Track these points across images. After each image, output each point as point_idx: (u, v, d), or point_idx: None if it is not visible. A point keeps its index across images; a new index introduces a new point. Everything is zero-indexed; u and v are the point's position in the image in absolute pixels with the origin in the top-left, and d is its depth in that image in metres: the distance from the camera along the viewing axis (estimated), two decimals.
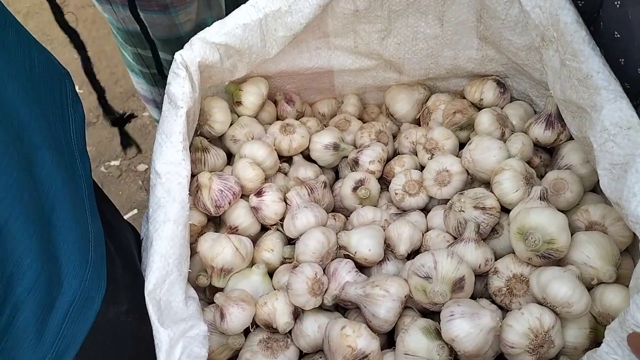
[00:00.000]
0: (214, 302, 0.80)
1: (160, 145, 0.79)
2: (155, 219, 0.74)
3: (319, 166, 1.03)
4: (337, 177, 1.07)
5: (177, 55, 0.82)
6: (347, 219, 0.94)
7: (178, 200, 0.75)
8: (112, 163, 2.29)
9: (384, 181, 1.01)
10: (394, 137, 1.08)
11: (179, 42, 0.92)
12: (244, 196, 0.93)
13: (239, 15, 0.84)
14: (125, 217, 2.13)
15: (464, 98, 1.02)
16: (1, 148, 0.61)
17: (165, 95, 0.82)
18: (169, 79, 0.82)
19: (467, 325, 0.68)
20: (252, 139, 0.99)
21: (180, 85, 0.81)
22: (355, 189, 0.94)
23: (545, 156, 0.93)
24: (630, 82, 0.76)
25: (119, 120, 1.17)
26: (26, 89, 0.70)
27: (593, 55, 0.73)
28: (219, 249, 0.82)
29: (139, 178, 2.27)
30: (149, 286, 0.72)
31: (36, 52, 0.76)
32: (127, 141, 1.20)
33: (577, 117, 0.79)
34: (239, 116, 1.03)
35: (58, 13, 1.05)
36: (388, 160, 1.02)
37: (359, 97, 1.12)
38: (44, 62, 0.77)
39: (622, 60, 0.76)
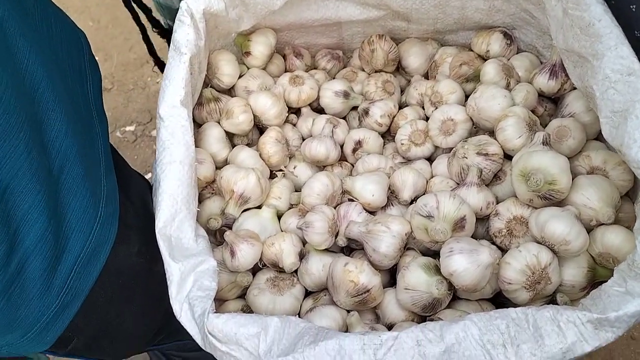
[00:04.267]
0: (223, 243, 0.83)
1: (163, 91, 0.81)
2: (161, 160, 0.77)
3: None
4: None
5: (183, 3, 0.84)
6: (353, 167, 0.96)
7: (182, 142, 0.78)
8: (127, 128, 2.33)
9: (390, 134, 1.02)
10: (402, 90, 1.09)
11: None
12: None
13: None
14: None
15: (471, 51, 1.02)
16: (9, 108, 0.62)
17: (171, 43, 0.84)
18: (175, 26, 0.84)
19: (465, 260, 0.70)
20: (266, 89, 1.01)
21: (185, 33, 0.83)
22: (354, 150, 0.96)
23: (550, 106, 0.94)
24: None
25: (168, 32, 1.24)
26: (42, 48, 0.71)
27: (594, 4, 0.73)
28: (244, 174, 0.85)
29: (153, 143, 2.31)
30: (159, 224, 0.75)
31: (53, 14, 0.78)
32: None
33: (579, 67, 0.79)
34: (248, 68, 1.05)
35: None
36: None
37: None
38: (61, 24, 0.79)
39: (634, 7, 0.76)
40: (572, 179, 0.75)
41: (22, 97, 0.65)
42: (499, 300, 0.79)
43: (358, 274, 0.73)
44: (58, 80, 0.72)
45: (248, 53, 1.02)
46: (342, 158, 0.99)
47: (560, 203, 0.76)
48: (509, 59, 0.98)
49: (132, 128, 2.33)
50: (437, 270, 0.74)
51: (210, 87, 1.00)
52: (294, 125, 1.04)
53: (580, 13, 0.73)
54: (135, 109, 2.37)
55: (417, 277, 0.73)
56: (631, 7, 0.74)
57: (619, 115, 0.68)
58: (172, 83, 0.82)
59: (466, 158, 0.84)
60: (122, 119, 2.35)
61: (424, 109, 1.01)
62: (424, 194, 0.89)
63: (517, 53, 1.00)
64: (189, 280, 0.72)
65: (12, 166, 0.63)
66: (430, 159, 0.97)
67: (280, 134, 0.96)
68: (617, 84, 0.68)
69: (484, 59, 0.99)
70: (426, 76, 1.09)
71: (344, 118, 1.06)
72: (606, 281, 0.67)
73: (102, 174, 0.76)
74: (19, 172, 0.63)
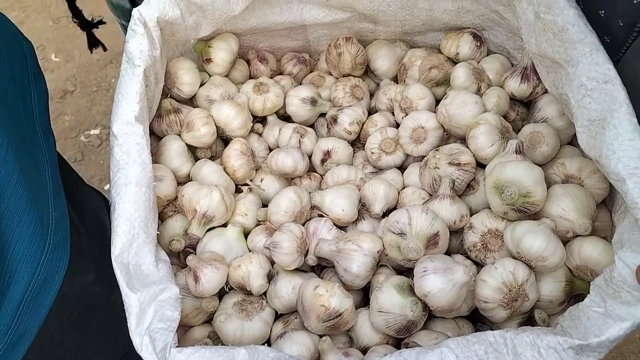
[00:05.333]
0: (186, 267, 0.78)
1: (116, 106, 0.76)
2: (116, 182, 0.72)
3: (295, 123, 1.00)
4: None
5: (135, 11, 0.79)
6: (323, 179, 0.92)
7: (138, 161, 0.73)
8: (92, 132, 2.25)
9: (359, 141, 0.99)
10: (371, 95, 1.05)
11: None
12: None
13: None
14: (107, 186, 2.11)
15: (440, 53, 0.99)
16: None
17: (124, 54, 0.79)
18: (127, 36, 0.79)
19: (439, 280, 0.67)
20: (229, 98, 0.96)
21: (138, 43, 0.78)
22: (323, 160, 0.92)
23: (522, 110, 0.91)
24: (610, 36, 0.73)
25: (88, 24, 1.15)
26: None
27: (568, 8, 0.70)
28: (206, 192, 0.80)
29: None
30: (115, 251, 0.70)
31: None
32: (94, 42, 1.18)
33: (553, 72, 0.76)
34: (209, 75, 1.00)
35: None
36: None
37: None
38: (1, 40, 0.73)
39: (603, 12, 0.74)
40: (547, 189, 0.73)
41: None
42: (476, 316, 0.76)
43: (329, 298, 0.70)
44: None
45: (209, 60, 0.97)
46: (311, 169, 0.95)
47: (536, 215, 0.73)
48: (479, 61, 0.95)
49: (97, 131, 2.25)
50: (411, 290, 0.70)
51: (170, 97, 0.95)
52: (260, 135, 0.99)
53: (553, 17, 0.70)
54: (100, 112, 2.29)
55: (390, 299, 0.70)
56: (600, 12, 0.71)
57: (596, 124, 0.65)
58: (125, 98, 0.77)
59: (438, 168, 0.80)
60: (86, 123, 2.27)
61: (393, 114, 0.98)
62: (396, 205, 0.86)
63: (487, 55, 0.97)
64: (150, 310, 0.67)
65: None
66: (402, 167, 0.94)
67: (245, 146, 0.91)
68: (594, 92, 0.65)
69: (453, 61, 0.96)
70: (395, 79, 1.05)
71: (312, 125, 1.02)
72: (584, 296, 0.65)
73: (49, 198, 0.70)
74: None
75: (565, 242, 0.72)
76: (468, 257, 0.77)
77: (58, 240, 0.69)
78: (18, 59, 0.76)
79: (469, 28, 0.96)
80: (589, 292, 0.64)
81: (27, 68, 0.77)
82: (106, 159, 2.18)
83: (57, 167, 0.74)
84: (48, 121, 0.78)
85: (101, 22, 1.16)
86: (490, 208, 0.77)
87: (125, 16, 1.32)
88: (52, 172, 0.73)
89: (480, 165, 0.83)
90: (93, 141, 2.22)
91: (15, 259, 0.64)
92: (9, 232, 0.64)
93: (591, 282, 0.64)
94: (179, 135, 0.91)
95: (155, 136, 0.94)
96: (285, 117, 1.02)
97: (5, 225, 0.64)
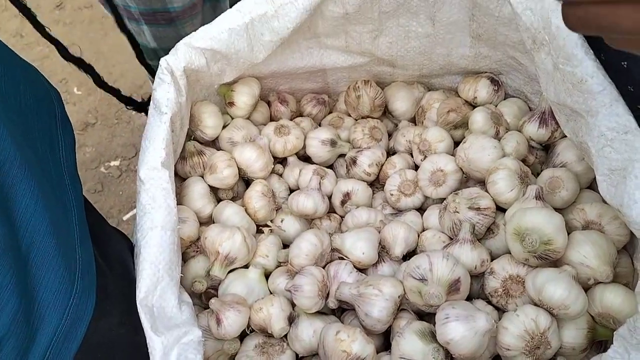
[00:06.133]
0: (208, 309, 0.79)
1: (143, 152, 0.79)
2: (142, 226, 0.74)
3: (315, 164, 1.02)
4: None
5: (163, 60, 0.82)
6: (343, 220, 0.93)
7: (163, 206, 0.75)
8: (112, 163, 2.30)
9: (379, 182, 1.00)
10: (390, 135, 1.07)
11: None
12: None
13: (224, 19, 0.83)
14: (126, 217, 2.14)
15: (458, 96, 1.01)
16: None
17: (151, 101, 0.82)
18: (155, 84, 0.82)
19: (461, 328, 0.67)
20: (250, 140, 0.98)
21: (165, 91, 0.81)
22: (342, 202, 0.94)
23: (541, 153, 0.92)
24: (634, 85, 0.74)
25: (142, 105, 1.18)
26: (10, 117, 0.67)
27: (586, 59, 0.71)
28: (229, 234, 0.82)
29: None
30: (140, 294, 0.71)
31: (22, 75, 0.74)
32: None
33: (572, 121, 0.77)
34: (232, 117, 1.03)
35: (62, 48, 1.03)
36: None
37: None
38: (31, 86, 0.75)
39: (625, 63, 0.75)
40: (568, 235, 0.73)
41: None
42: None
43: (350, 343, 0.70)
44: (27, 150, 0.68)
45: (232, 103, 1.00)
46: (331, 209, 0.96)
47: (557, 261, 0.74)
48: (496, 105, 0.96)
49: (116, 163, 2.30)
50: (433, 336, 0.71)
51: (193, 138, 0.98)
52: (280, 175, 1.01)
53: (571, 69, 0.71)
54: (120, 144, 2.34)
55: (412, 345, 0.70)
56: (623, 64, 0.73)
57: (617, 174, 0.66)
58: (152, 144, 0.79)
59: (458, 212, 0.81)
60: (106, 154, 2.32)
61: (412, 155, 0.99)
62: (416, 248, 0.86)
63: (504, 98, 0.99)
64: (173, 354, 0.69)
65: None
66: (421, 207, 0.95)
67: (266, 187, 0.93)
68: (614, 142, 0.66)
69: (471, 104, 0.98)
70: (413, 120, 1.07)
71: (331, 165, 1.04)
72: (607, 342, 0.64)
73: (76, 244, 0.72)
74: None
75: (587, 289, 0.72)
76: (489, 302, 0.77)
77: (85, 285, 0.70)
78: (46, 107, 0.78)
79: (486, 72, 0.98)
80: (611, 339, 0.64)
81: (55, 115, 0.80)
82: (125, 190, 2.22)
83: (83, 212, 0.76)
84: (75, 167, 0.80)
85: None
86: (510, 253, 0.77)
87: (148, 55, 1.36)
88: (79, 217, 0.74)
89: (500, 209, 0.84)
90: (113, 172, 2.27)
91: (44, 305, 0.66)
92: (38, 280, 0.66)
93: (614, 332, 0.64)
94: (202, 177, 0.93)
95: (179, 177, 0.96)
96: (305, 158, 1.04)
97: (36, 273, 0.65)
